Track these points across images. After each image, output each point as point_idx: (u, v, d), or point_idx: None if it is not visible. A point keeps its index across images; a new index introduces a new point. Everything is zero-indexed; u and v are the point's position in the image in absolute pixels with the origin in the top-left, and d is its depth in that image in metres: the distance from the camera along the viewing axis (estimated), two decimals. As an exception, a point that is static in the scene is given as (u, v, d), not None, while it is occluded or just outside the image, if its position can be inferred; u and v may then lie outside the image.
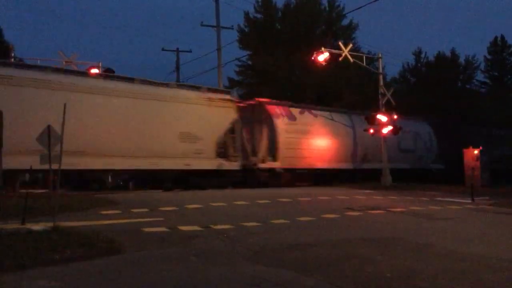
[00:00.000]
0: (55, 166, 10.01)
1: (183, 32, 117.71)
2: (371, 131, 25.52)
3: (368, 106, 27.78)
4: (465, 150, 26.27)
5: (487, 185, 24.56)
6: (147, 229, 9.39)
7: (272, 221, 10.88)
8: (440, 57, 51.84)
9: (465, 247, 8.48)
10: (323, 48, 24.55)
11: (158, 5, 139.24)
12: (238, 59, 39.07)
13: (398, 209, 14.00)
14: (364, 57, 27.18)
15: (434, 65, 51.06)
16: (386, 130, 24.77)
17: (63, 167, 9.84)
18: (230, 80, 41.01)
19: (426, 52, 52.92)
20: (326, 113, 26.18)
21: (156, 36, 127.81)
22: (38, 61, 24.35)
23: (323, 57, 24.28)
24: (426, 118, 32.41)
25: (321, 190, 19.86)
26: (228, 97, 22.28)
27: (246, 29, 40.46)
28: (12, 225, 9.12)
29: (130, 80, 19.51)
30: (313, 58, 24.49)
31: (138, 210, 12.08)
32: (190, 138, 19.79)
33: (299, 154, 23.56)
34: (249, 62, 40.54)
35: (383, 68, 29.52)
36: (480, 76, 55.22)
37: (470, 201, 16.83)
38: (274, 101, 24.69)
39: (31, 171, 16.00)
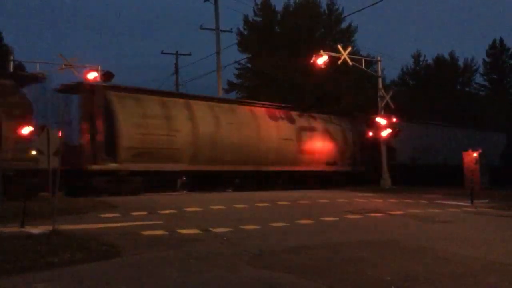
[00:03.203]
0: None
1: (182, 35, 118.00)
2: (370, 133, 25.67)
3: (368, 109, 27.84)
4: (464, 153, 26.32)
5: (486, 187, 24.57)
6: (146, 232, 9.39)
7: (272, 224, 10.89)
8: (439, 60, 51.94)
9: (465, 250, 8.48)
10: (322, 51, 24.59)
11: (157, 8, 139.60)
12: (237, 62, 39.14)
13: (398, 212, 14.00)
14: (363, 60, 27.21)
15: (433, 68, 51.19)
16: (385, 133, 24.92)
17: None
18: (230, 83, 41.00)
19: (425, 55, 53.07)
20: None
21: (155, 39, 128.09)
22: (38, 64, 24.38)
23: (322, 60, 24.33)
24: None
25: (320, 193, 19.87)
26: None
27: (245, 32, 40.48)
28: (12, 229, 9.13)
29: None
30: (312, 61, 24.56)
31: (137, 213, 12.08)
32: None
33: None
34: (249, 65, 40.55)
35: (382, 71, 29.60)
36: (479, 79, 55.39)
37: (469, 204, 16.83)
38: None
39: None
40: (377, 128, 25.27)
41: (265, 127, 23.41)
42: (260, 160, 22.83)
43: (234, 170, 22.30)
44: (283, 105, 26.56)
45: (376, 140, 26.40)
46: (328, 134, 26.32)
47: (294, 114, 25.46)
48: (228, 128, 21.95)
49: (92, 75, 25.16)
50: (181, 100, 21.53)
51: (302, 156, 24.70)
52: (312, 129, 25.56)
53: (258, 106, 24.42)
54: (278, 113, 24.77)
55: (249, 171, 22.70)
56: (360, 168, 27.32)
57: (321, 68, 25.14)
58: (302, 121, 25.45)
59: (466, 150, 28.75)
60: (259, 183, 22.87)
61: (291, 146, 24.25)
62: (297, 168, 24.36)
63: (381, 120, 25.13)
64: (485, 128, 38.20)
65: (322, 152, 25.71)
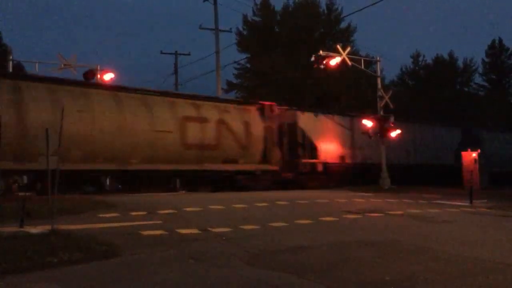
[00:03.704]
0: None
1: (181, 35, 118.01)
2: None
3: (367, 109, 27.90)
4: (463, 153, 26.35)
5: (486, 188, 24.62)
6: (145, 232, 9.37)
7: (271, 224, 10.88)
8: (438, 60, 52.08)
9: (464, 250, 8.48)
10: (321, 51, 24.59)
11: (157, 8, 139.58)
12: (236, 62, 39.19)
13: (397, 212, 14.00)
14: (362, 60, 27.23)
15: (432, 68, 51.30)
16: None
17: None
18: (229, 83, 41.04)
19: (424, 55, 53.23)
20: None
21: (154, 38, 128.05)
22: (37, 64, 24.38)
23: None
24: None
25: (320, 192, 19.86)
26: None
27: (245, 32, 40.52)
28: (11, 228, 9.10)
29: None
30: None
31: (136, 213, 12.06)
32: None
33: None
34: (248, 65, 40.59)
35: (381, 71, 29.64)
36: (478, 79, 55.53)
37: (468, 204, 16.84)
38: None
39: None
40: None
41: (133, 117, 19.46)
42: (126, 156, 18.93)
43: (86, 169, 17.96)
44: (163, 90, 22.93)
45: (295, 137, 24.31)
46: (225, 126, 21.99)
47: (178, 101, 21.49)
48: (78, 116, 17.83)
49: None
50: (6, 81, 17.47)
51: (188, 153, 20.64)
52: (202, 120, 21.30)
53: (125, 92, 20.40)
54: (154, 100, 20.65)
55: (109, 170, 18.68)
56: (271, 167, 23.39)
57: (321, 68, 25.15)
58: (188, 110, 21.22)
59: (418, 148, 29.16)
60: (125, 183, 19.51)
61: (170, 139, 20.21)
62: (180, 167, 20.30)
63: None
64: (439, 123, 35.23)
65: (217, 148, 21.60)
